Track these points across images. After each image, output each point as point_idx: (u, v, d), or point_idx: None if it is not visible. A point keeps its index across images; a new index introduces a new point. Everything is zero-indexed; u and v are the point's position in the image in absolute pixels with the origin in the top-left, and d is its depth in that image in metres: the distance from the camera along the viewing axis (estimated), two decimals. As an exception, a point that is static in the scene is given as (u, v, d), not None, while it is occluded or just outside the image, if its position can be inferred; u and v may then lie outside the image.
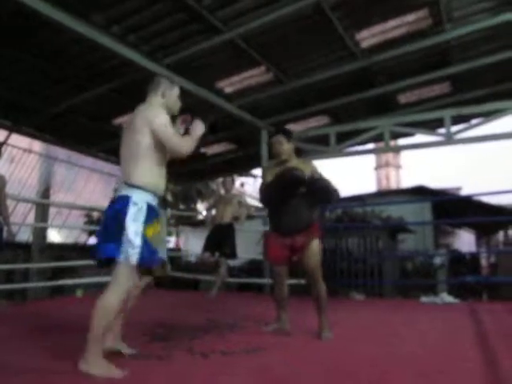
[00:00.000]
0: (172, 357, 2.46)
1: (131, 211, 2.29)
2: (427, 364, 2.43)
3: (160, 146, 2.43)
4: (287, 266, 3.42)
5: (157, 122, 2.41)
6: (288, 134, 3.51)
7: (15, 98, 6.54)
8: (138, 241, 2.26)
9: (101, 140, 8.31)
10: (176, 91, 2.70)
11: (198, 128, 2.61)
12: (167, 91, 2.64)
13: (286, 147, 3.42)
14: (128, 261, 2.26)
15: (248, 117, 7.35)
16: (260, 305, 5.42)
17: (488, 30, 5.53)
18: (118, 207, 2.33)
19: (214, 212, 6.15)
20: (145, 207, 2.33)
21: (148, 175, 2.40)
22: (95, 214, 9.99)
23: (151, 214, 2.35)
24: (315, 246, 3.25)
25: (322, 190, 3.29)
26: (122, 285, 2.30)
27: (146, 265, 2.36)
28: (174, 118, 2.74)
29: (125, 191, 2.38)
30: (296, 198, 3.27)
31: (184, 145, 2.48)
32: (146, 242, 2.28)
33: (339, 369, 2.34)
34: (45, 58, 5.47)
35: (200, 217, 12.76)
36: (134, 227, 2.27)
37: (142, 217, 2.30)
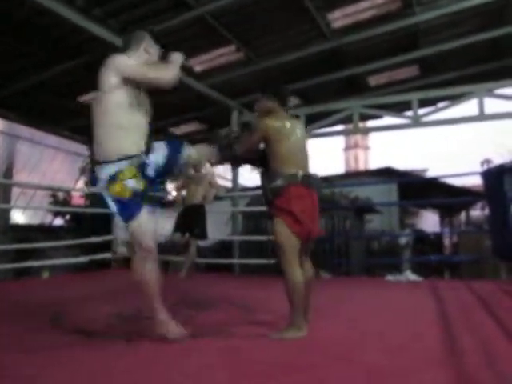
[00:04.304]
0: (139, 339, 2.45)
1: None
2: (390, 340, 2.51)
3: (136, 98, 2.36)
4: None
5: (126, 63, 2.33)
6: (265, 90, 2.95)
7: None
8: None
9: (66, 118, 8.07)
10: (157, 50, 2.59)
11: (177, 57, 2.53)
12: (150, 48, 2.54)
13: (260, 106, 2.95)
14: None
15: (218, 96, 7.26)
16: (229, 285, 5.46)
17: (455, 15, 5.62)
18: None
19: (184, 192, 6.10)
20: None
21: (125, 141, 2.33)
22: (61, 195, 9.74)
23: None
24: (273, 226, 2.71)
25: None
26: None
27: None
28: None
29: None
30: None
31: (165, 73, 2.39)
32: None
33: (304, 346, 2.40)
34: (5, 31, 5.22)
35: (170, 197, 12.65)
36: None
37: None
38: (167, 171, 2.56)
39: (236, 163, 3.11)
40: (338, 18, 5.65)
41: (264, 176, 2.82)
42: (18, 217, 11.48)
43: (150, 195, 2.44)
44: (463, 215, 18.52)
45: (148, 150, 2.42)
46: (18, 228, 9.96)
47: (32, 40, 5.44)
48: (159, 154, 2.46)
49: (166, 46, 2.66)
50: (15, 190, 9.80)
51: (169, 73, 2.41)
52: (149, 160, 2.41)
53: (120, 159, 2.31)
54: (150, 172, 2.41)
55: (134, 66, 2.34)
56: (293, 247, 2.63)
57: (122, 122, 2.33)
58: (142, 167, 2.37)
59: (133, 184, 2.31)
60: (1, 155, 9.87)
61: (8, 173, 9.38)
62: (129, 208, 2.34)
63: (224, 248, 8.68)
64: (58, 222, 10.83)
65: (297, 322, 2.59)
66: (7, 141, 9.95)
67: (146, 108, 2.49)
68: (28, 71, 6.24)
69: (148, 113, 2.51)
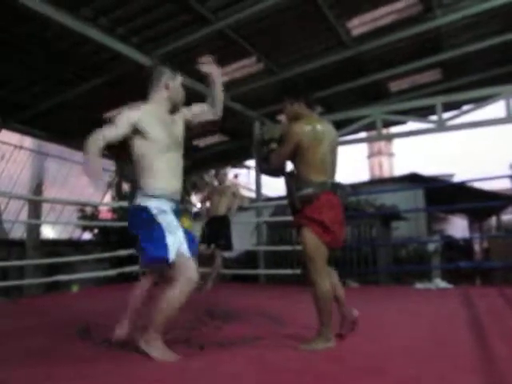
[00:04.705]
0: (169, 349, 2.46)
1: (158, 217, 2.34)
2: (420, 348, 2.46)
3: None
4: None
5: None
6: (292, 94, 2.85)
7: (4, 94, 6.48)
8: (180, 235, 2.35)
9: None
10: (179, 80, 2.61)
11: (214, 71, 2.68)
12: (170, 82, 2.55)
13: (287, 110, 2.85)
14: (181, 256, 2.32)
15: (240, 108, 7.33)
16: (255, 295, 5.45)
17: (478, 16, 5.53)
18: (144, 217, 2.37)
19: (208, 204, 6.14)
20: (167, 210, 2.39)
21: (154, 180, 2.40)
22: (89, 209, 9.95)
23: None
24: (301, 236, 2.61)
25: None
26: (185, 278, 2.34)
27: (194, 253, 2.41)
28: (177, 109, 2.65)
29: (140, 200, 2.41)
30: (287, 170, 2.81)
31: None
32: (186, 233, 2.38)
33: (333, 356, 2.37)
34: (32, 53, 5.41)
35: (195, 209, 12.77)
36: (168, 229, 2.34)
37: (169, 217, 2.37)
38: None
39: (274, 175, 2.95)
40: (358, 25, 5.64)
41: (291, 183, 2.69)
42: (48, 232, 11.78)
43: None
44: (493, 220, 18.07)
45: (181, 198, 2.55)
46: (49, 243, 10.21)
47: (56, 61, 5.62)
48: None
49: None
50: (45, 206, 10.07)
51: None
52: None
53: (155, 196, 2.39)
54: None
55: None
56: (322, 257, 2.56)
57: (153, 164, 2.41)
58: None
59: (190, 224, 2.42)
60: (31, 172, 10.18)
61: (38, 189, 9.65)
62: (193, 243, 2.43)
63: (249, 258, 8.68)
64: (87, 236, 11.06)
65: (325, 332, 2.53)
66: (37, 158, 10.26)
67: (177, 140, 2.54)
68: (55, 91, 6.44)
69: (180, 145, 2.57)
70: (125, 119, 2.38)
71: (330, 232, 2.55)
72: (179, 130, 2.57)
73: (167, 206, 2.41)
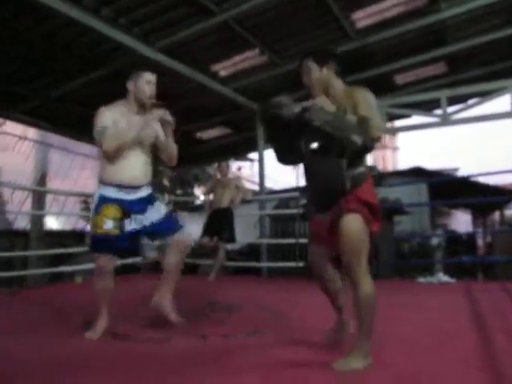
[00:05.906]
0: (171, 340, 2.47)
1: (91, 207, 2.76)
2: (425, 342, 2.47)
3: None
4: (324, 248, 2.29)
5: (95, 123, 2.65)
6: (320, 57, 2.35)
7: (8, 85, 6.47)
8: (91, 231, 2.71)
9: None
10: (143, 78, 2.78)
11: (149, 118, 2.74)
12: (132, 83, 2.79)
13: (316, 76, 2.32)
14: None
15: (244, 100, 7.30)
16: (258, 287, 5.46)
17: (483, 9, 5.47)
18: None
19: (211, 196, 6.15)
20: (96, 200, 2.67)
21: (105, 171, 2.69)
22: (92, 201, 9.96)
23: (100, 204, 2.64)
24: (349, 224, 2.03)
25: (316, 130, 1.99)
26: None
27: (97, 250, 2.67)
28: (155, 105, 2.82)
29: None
30: (317, 151, 2.12)
31: (106, 143, 2.59)
32: (93, 232, 2.65)
33: (337, 349, 2.37)
34: (35, 44, 5.39)
35: (198, 202, 12.77)
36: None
37: (93, 210, 2.69)
38: (154, 233, 2.80)
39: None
40: (363, 17, 5.59)
41: (336, 161, 2.02)
42: (52, 223, 11.83)
43: (122, 248, 2.73)
44: (497, 214, 18.01)
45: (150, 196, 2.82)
46: (52, 234, 10.26)
47: (61, 51, 5.60)
48: (156, 211, 2.79)
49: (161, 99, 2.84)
50: (49, 197, 10.11)
51: (108, 143, 2.59)
52: (137, 204, 2.72)
53: (104, 184, 2.70)
54: (133, 217, 2.70)
55: (96, 127, 2.65)
56: (367, 250, 2.10)
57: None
58: (124, 205, 2.67)
59: (110, 226, 2.59)
60: (35, 163, 10.21)
61: (42, 180, 9.67)
62: (94, 243, 2.67)
63: (252, 251, 8.68)
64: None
65: (365, 346, 2.06)
66: (41, 149, 10.28)
67: (142, 141, 2.78)
68: (57, 82, 6.42)
69: (147, 147, 2.81)
70: (109, 120, 2.65)
71: (378, 219, 2.12)
72: (149, 132, 2.80)
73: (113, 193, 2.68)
